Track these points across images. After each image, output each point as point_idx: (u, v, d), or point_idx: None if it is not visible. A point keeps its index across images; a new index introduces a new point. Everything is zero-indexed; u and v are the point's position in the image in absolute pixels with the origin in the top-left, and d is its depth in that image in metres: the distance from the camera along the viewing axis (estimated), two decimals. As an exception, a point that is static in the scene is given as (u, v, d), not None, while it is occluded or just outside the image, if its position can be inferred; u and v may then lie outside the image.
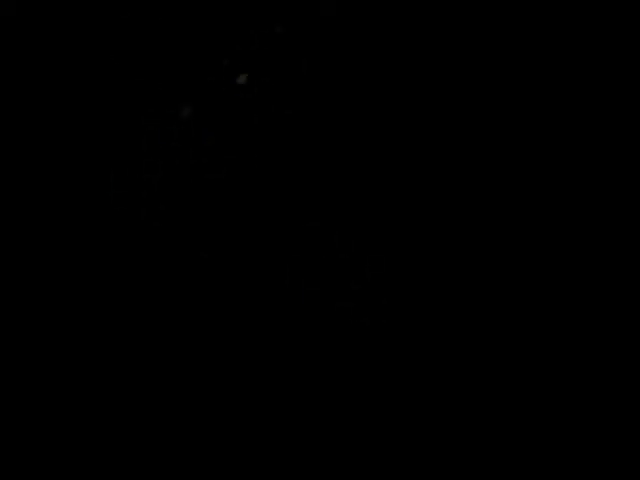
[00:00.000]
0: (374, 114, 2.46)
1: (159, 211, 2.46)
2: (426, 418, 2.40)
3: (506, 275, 2.42)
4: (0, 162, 2.51)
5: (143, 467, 2.37)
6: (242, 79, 2.48)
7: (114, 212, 2.47)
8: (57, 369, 2.42)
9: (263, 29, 2.48)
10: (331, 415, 2.41)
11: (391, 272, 2.44)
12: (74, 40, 2.55)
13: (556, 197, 2.43)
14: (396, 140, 2.46)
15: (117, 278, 2.45)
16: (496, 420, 2.38)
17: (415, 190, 2.46)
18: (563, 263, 2.41)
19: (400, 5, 2.45)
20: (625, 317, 2.38)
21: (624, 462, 2.34)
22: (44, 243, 2.46)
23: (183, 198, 2.47)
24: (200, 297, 2.45)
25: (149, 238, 2.46)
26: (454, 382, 2.41)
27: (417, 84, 2.45)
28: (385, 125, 2.46)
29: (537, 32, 2.41)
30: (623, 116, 2.40)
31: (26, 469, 2.36)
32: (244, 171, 2.48)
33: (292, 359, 2.43)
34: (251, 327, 2.44)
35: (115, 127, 2.51)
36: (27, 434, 2.38)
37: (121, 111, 2.50)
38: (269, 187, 2.47)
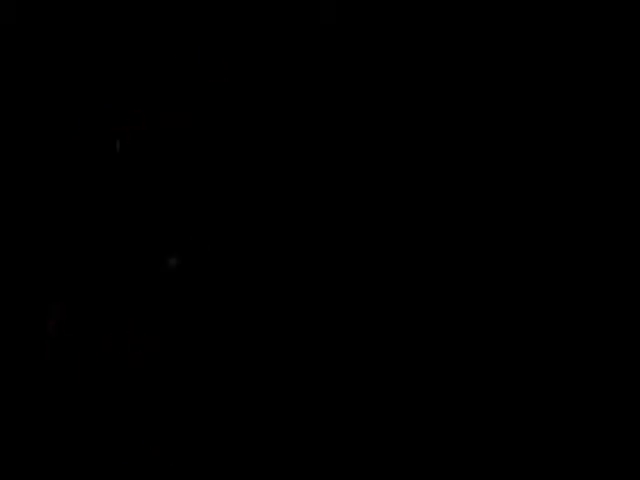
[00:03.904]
0: (374, 119, 2.50)
1: (158, 211, 2.47)
2: (425, 417, 2.40)
3: (505, 275, 2.45)
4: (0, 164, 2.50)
5: (143, 467, 2.34)
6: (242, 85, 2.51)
7: (114, 211, 2.47)
8: (56, 368, 2.39)
9: (263, 35, 2.52)
10: (331, 414, 2.40)
11: (391, 272, 2.46)
12: (73, 46, 2.57)
13: (556, 197, 2.47)
14: (395, 143, 2.50)
15: (117, 277, 2.44)
16: (495, 419, 2.39)
17: (415, 191, 2.49)
18: (562, 264, 2.45)
19: (399, 12, 2.50)
20: (625, 317, 2.41)
21: (624, 462, 2.35)
22: (43, 241, 2.45)
23: (183, 198, 2.48)
24: (199, 296, 2.45)
25: (149, 238, 2.46)
26: (453, 381, 2.42)
27: (416, 90, 2.50)
28: (385, 129, 2.50)
29: (537, 32, 2.47)
30: (623, 116, 2.46)
31: (26, 469, 2.32)
32: (244, 172, 2.50)
33: (292, 358, 2.42)
34: (251, 326, 2.44)
35: (114, 127, 2.52)
36: (27, 433, 2.34)
37: (121, 111, 2.52)
38: (269, 188, 2.49)
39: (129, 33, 2.55)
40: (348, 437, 2.39)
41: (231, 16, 2.53)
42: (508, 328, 2.43)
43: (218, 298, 2.45)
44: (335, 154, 2.50)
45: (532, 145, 2.47)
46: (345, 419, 2.40)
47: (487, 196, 2.47)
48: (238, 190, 2.50)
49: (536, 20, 2.47)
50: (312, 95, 2.51)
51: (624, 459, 2.35)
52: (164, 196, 2.49)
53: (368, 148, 2.50)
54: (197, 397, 2.40)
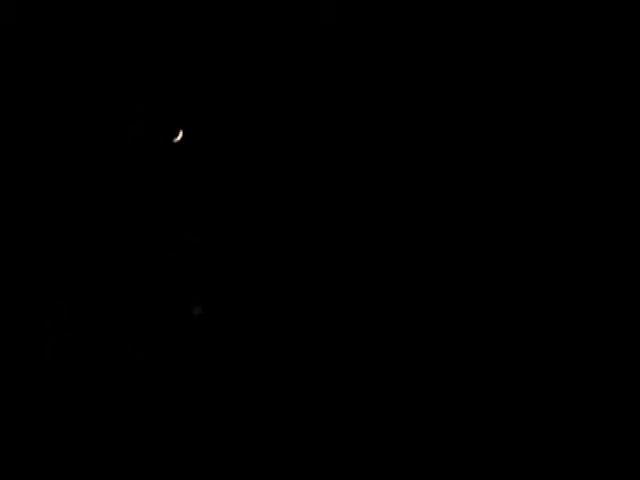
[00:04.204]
0: (374, 119, 2.51)
1: (158, 210, 2.47)
2: (425, 418, 2.40)
3: (505, 275, 2.45)
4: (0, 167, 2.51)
5: (143, 467, 2.35)
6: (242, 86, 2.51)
7: (113, 211, 2.47)
8: (56, 368, 2.39)
9: (263, 35, 2.52)
10: (331, 414, 2.40)
11: (391, 272, 2.46)
12: (72, 46, 2.57)
13: (555, 197, 2.47)
14: (395, 143, 2.50)
15: (117, 277, 2.44)
16: (495, 420, 2.40)
17: (415, 191, 2.49)
18: (562, 264, 2.45)
19: (400, 12, 2.50)
20: (625, 317, 2.41)
21: (624, 462, 2.36)
22: (43, 241, 2.46)
23: (183, 198, 2.48)
24: (200, 296, 2.45)
25: (148, 237, 2.47)
26: (453, 382, 2.42)
27: (416, 90, 2.50)
28: (386, 129, 2.50)
29: (537, 32, 2.48)
30: (623, 116, 2.46)
31: (26, 468, 2.32)
32: (244, 171, 2.50)
33: (293, 358, 2.43)
34: (251, 326, 2.44)
35: (112, 129, 2.52)
36: (27, 433, 2.34)
37: (121, 111, 2.52)
38: (269, 187, 2.49)
39: (129, 33, 2.55)
40: (348, 437, 2.39)
41: (231, 16, 2.53)
42: (508, 328, 2.44)
43: (218, 297, 2.45)
44: (335, 154, 2.50)
45: (532, 145, 2.48)
46: (345, 419, 2.40)
47: (487, 196, 2.48)
48: (238, 190, 2.50)
49: (536, 20, 2.47)
50: (312, 95, 2.52)
51: (624, 459, 2.36)
52: (164, 196, 2.49)
53: (368, 148, 2.50)
54: (197, 397, 2.40)
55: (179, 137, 2.15)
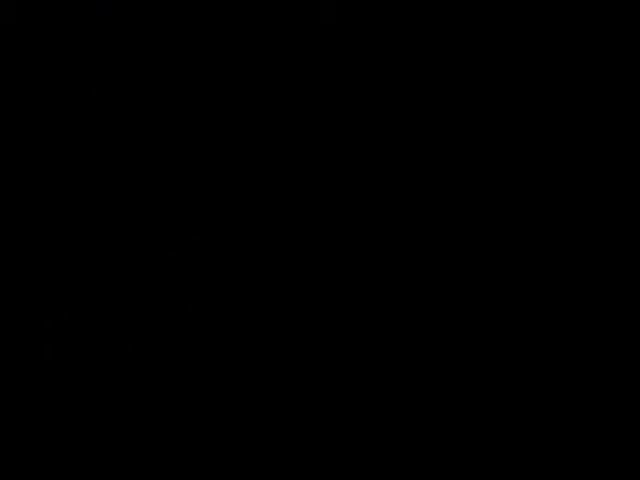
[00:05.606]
0: (374, 119, 2.51)
1: (159, 210, 2.47)
2: (424, 418, 2.40)
3: (504, 275, 2.46)
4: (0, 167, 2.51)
5: (143, 467, 2.35)
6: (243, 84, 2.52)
7: (114, 211, 2.47)
8: (56, 368, 2.39)
9: (263, 35, 2.53)
10: (331, 414, 2.40)
11: (390, 271, 2.46)
12: (73, 46, 2.57)
13: (555, 198, 2.47)
14: (395, 143, 2.50)
15: (117, 276, 2.45)
16: (494, 419, 2.40)
17: (415, 191, 2.49)
18: (562, 264, 2.45)
19: (399, 12, 2.51)
20: (625, 317, 2.41)
21: (624, 462, 2.36)
22: (43, 241, 2.46)
23: (183, 198, 2.49)
24: (200, 295, 2.45)
25: (149, 237, 2.47)
26: (453, 382, 2.42)
27: (416, 90, 2.51)
28: (385, 129, 2.51)
29: (537, 32, 2.48)
30: (623, 116, 2.46)
31: (26, 468, 2.32)
32: (244, 171, 2.50)
33: (292, 358, 2.43)
34: (251, 326, 2.44)
35: (113, 129, 2.53)
36: (27, 433, 2.34)
37: (120, 114, 2.52)
38: (269, 187, 2.50)
39: (129, 33, 2.55)
40: (348, 437, 2.39)
41: (231, 16, 2.53)
42: (508, 328, 2.44)
43: (218, 297, 2.45)
44: (335, 154, 2.50)
45: (532, 145, 2.48)
46: (345, 419, 2.40)
47: (487, 196, 2.48)
48: (238, 190, 2.50)
49: (536, 20, 2.47)
50: (312, 95, 2.52)
51: (624, 459, 2.36)
52: (164, 195, 2.49)
53: (368, 148, 2.50)
54: (197, 397, 2.40)
55: None
